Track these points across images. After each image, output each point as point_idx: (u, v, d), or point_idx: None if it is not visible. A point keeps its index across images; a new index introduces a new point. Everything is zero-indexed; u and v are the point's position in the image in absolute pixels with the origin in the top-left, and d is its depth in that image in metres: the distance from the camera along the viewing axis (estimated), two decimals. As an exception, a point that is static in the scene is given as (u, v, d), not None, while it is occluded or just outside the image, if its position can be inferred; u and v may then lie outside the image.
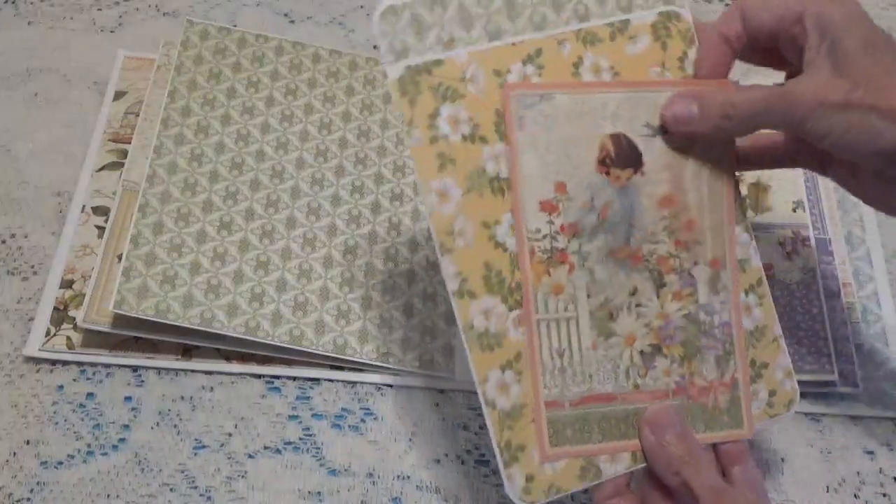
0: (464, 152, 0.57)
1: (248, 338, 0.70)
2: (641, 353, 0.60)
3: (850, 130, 0.53)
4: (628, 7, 0.61)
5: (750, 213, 0.75)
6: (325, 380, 0.71)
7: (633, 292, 0.60)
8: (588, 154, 0.59)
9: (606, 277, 0.59)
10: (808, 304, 0.72)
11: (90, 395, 0.70)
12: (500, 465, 0.57)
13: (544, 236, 0.58)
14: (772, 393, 0.62)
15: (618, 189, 0.59)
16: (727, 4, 0.92)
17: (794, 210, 0.76)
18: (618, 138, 0.60)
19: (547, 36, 0.59)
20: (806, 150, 0.61)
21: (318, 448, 0.69)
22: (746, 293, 0.62)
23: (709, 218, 0.61)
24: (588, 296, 0.59)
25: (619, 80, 0.60)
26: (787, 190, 0.77)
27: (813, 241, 0.75)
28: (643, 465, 0.58)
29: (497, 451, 0.57)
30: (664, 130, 0.60)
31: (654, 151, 0.60)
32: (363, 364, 0.71)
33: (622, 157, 0.60)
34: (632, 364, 0.60)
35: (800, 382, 0.69)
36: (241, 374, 0.71)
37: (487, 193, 0.57)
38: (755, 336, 0.62)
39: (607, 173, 0.59)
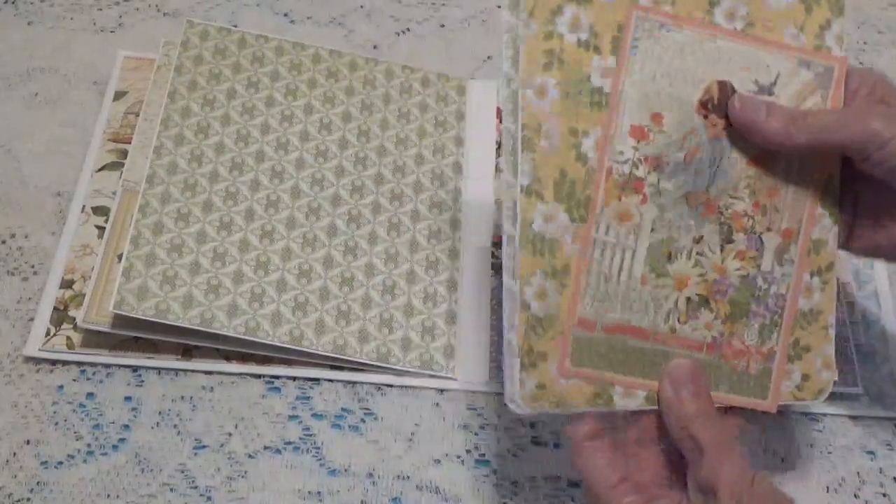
0: (574, 56, 0.56)
1: (248, 338, 0.70)
2: (688, 300, 0.60)
3: None
4: None
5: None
6: (325, 380, 0.71)
7: (698, 240, 0.60)
8: (692, 93, 0.59)
9: (676, 217, 0.59)
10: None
11: (90, 395, 0.70)
12: (516, 368, 0.56)
13: (626, 161, 0.58)
14: (805, 377, 0.62)
15: (711, 136, 0.59)
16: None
17: None
18: (724, 85, 0.59)
19: None
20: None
21: (318, 448, 0.69)
22: (812, 275, 0.61)
23: (793, 190, 0.61)
24: (652, 230, 0.59)
25: (741, 32, 0.59)
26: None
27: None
28: (655, 408, 0.58)
29: (517, 350, 0.56)
30: (772, 91, 0.59)
31: None
32: (363, 364, 0.71)
33: (724, 104, 0.59)
34: (675, 308, 0.59)
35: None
36: (241, 374, 0.71)
37: (585, 103, 0.56)
38: (807, 318, 0.61)
39: (706, 117, 0.59)
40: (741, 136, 0.59)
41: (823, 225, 0.61)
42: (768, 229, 0.60)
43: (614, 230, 0.58)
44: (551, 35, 0.56)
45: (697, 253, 0.60)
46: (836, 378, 0.62)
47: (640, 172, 0.58)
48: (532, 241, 0.56)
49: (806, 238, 0.61)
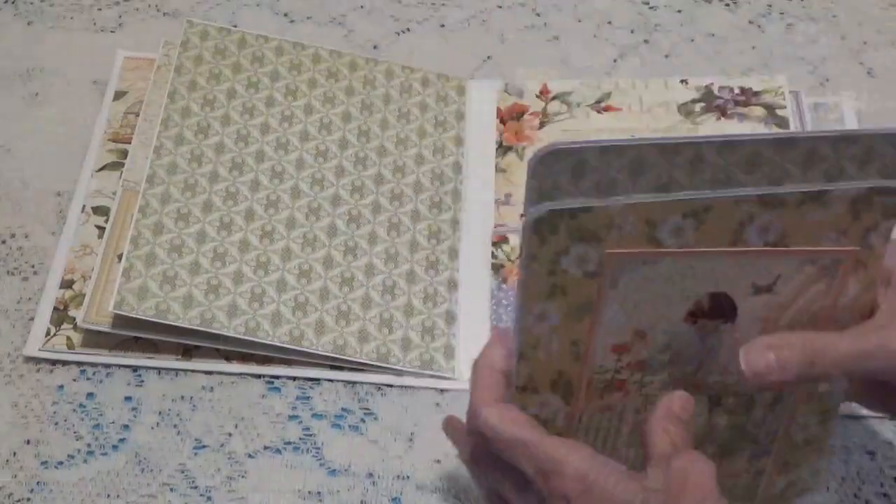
0: (578, 286, 0.54)
1: (248, 338, 0.70)
2: None
3: None
4: (834, 174, 0.55)
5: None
6: (325, 380, 0.71)
7: None
8: (679, 309, 0.56)
9: (659, 398, 0.57)
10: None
11: (90, 395, 0.70)
12: None
13: (606, 371, 0.57)
14: (790, 484, 0.63)
15: (699, 336, 0.57)
16: (727, 5, 0.92)
17: None
18: (718, 297, 0.56)
19: (726, 195, 0.53)
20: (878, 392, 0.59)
21: (318, 448, 0.69)
22: (815, 415, 0.60)
23: None
24: (636, 412, 0.58)
25: (734, 249, 0.54)
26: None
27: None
28: None
29: None
30: (771, 290, 0.56)
31: (753, 306, 0.56)
32: (363, 364, 0.71)
33: (716, 312, 0.57)
34: None
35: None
36: (241, 374, 0.71)
37: (586, 319, 0.55)
38: (801, 444, 0.62)
39: (694, 323, 0.57)
40: (734, 330, 0.56)
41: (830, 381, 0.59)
42: (759, 391, 0.59)
43: (597, 418, 0.58)
44: (555, 272, 0.53)
45: None
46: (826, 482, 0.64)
47: (623, 375, 0.57)
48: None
49: (801, 393, 0.59)
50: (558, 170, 0.52)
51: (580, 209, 0.51)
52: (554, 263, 0.53)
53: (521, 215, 0.55)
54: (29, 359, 0.71)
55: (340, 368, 0.71)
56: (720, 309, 0.56)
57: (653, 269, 0.54)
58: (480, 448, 0.56)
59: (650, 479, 0.51)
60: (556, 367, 0.56)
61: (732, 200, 0.53)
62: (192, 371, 0.71)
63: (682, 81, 0.85)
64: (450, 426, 0.62)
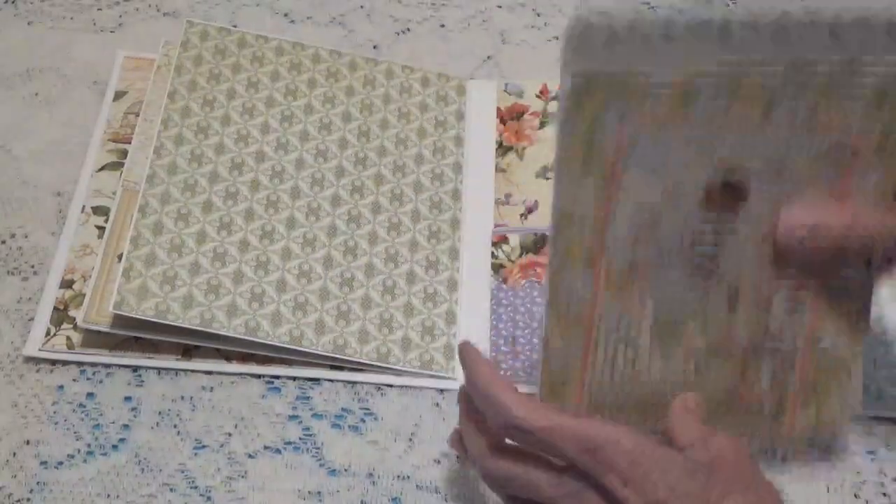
0: (607, 161, 0.56)
1: (247, 338, 0.70)
2: (696, 360, 0.62)
3: None
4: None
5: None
6: (325, 380, 0.71)
7: (702, 307, 0.60)
8: (693, 182, 0.57)
9: (679, 290, 0.59)
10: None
11: (90, 395, 0.70)
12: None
13: (626, 254, 0.58)
14: (820, 420, 0.64)
15: (714, 218, 0.58)
16: (727, 5, 0.92)
17: None
18: (729, 171, 0.57)
19: (752, 68, 0.55)
20: None
21: (318, 448, 0.69)
22: (840, 330, 0.61)
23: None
24: (656, 304, 0.60)
25: (736, 122, 0.56)
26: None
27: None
28: None
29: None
30: (780, 172, 0.57)
31: (764, 184, 0.58)
32: (363, 364, 0.71)
33: (730, 188, 0.57)
34: (685, 370, 0.62)
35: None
36: (241, 374, 0.71)
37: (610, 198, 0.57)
38: (828, 365, 0.62)
39: (710, 201, 0.58)
40: (748, 214, 0.58)
41: (848, 281, 0.60)
42: (777, 290, 0.60)
43: (617, 312, 0.60)
44: (590, 139, 0.55)
45: (703, 318, 0.61)
46: (858, 412, 0.64)
47: (641, 259, 0.59)
48: (558, 310, 0.59)
49: (819, 295, 0.60)
50: (592, 42, 0.53)
51: (617, 73, 0.53)
52: (590, 129, 0.55)
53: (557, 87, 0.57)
54: (29, 359, 0.71)
55: (340, 368, 0.71)
56: (734, 188, 0.57)
57: (666, 135, 0.55)
58: (500, 445, 0.57)
59: (695, 452, 0.54)
60: (586, 243, 0.58)
61: (760, 76, 0.54)
62: (192, 371, 0.71)
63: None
64: (455, 436, 0.62)
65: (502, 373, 0.71)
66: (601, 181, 0.56)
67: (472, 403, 0.58)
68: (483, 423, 0.58)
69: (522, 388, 0.71)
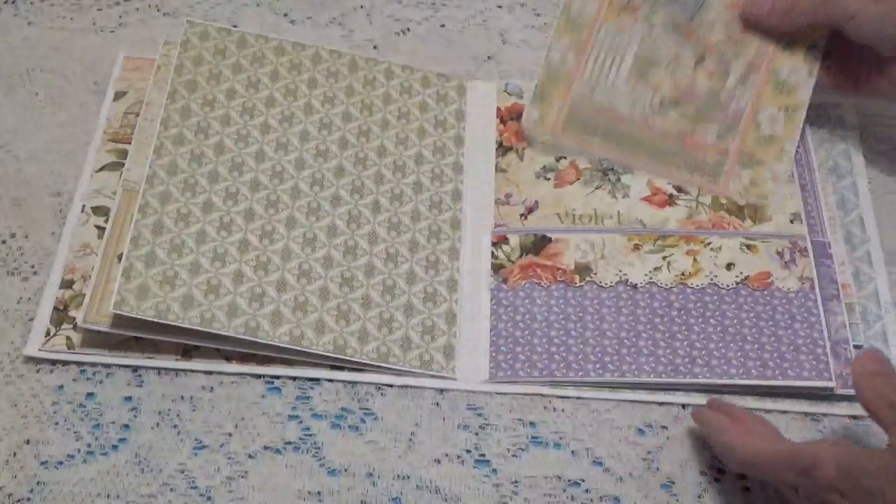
0: None
1: (247, 338, 0.70)
2: (661, 100, 0.77)
3: (886, 20, 0.70)
4: None
5: (748, 223, 0.76)
6: (325, 380, 0.71)
7: (676, 56, 0.77)
8: None
9: (660, 38, 0.77)
10: (807, 312, 0.72)
11: (90, 395, 0.70)
12: (530, 101, 0.79)
13: None
14: (753, 182, 0.77)
15: None
16: (727, 5, 0.93)
17: (792, 222, 0.77)
18: None
19: None
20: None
21: (318, 448, 0.69)
22: (779, 109, 0.77)
23: (759, 35, 0.77)
24: (640, 44, 0.77)
25: None
26: (785, 203, 0.77)
27: (810, 250, 0.75)
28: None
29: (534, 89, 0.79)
30: None
31: None
32: (363, 364, 0.71)
33: None
34: (650, 104, 0.77)
35: (798, 389, 0.71)
36: (241, 374, 0.71)
37: None
38: (765, 140, 0.77)
39: None
40: None
41: (796, 72, 0.77)
42: (737, 57, 0.77)
43: (610, 38, 0.77)
44: None
45: (675, 67, 0.77)
46: (778, 187, 0.77)
47: (636, 3, 0.77)
48: (568, 21, 0.78)
49: (766, 71, 0.77)
50: None
51: None
52: None
53: None
54: (29, 359, 0.71)
55: (340, 368, 0.71)
56: None
57: None
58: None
59: None
60: None
61: None
62: (192, 371, 0.71)
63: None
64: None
65: (502, 374, 0.71)
66: None
67: None
68: None
69: (523, 388, 0.71)
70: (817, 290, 0.73)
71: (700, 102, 0.77)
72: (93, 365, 0.71)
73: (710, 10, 0.77)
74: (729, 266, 0.74)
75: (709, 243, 0.75)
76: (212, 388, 0.71)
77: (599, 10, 0.77)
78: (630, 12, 0.77)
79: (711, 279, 0.74)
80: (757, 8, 0.76)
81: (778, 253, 0.75)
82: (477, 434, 0.70)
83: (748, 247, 0.75)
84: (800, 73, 0.77)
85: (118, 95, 0.83)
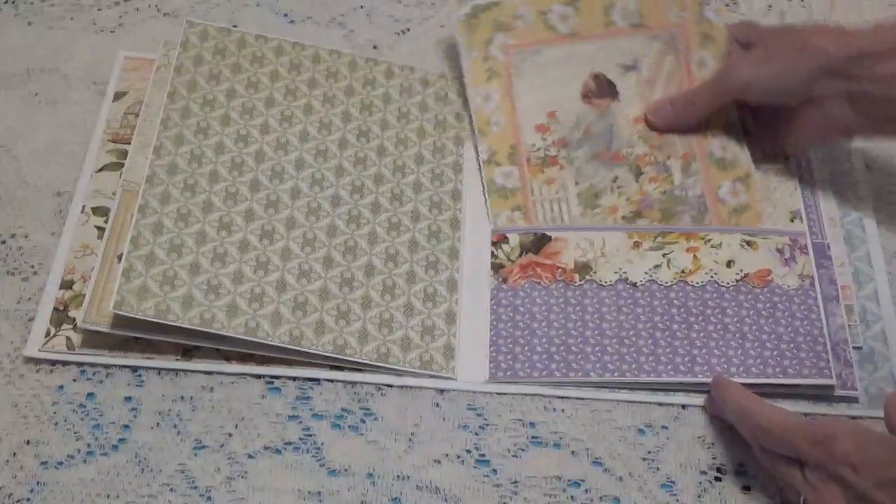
0: (506, 68, 0.80)
1: (247, 338, 0.70)
2: (623, 217, 0.77)
3: (778, 76, 0.73)
4: None
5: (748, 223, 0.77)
6: (325, 380, 0.71)
7: (615, 180, 0.78)
8: (574, 91, 0.80)
9: (591, 171, 0.78)
10: (807, 310, 0.72)
11: (90, 395, 0.70)
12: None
13: (538, 149, 0.79)
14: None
15: (598, 114, 0.79)
16: (727, 5, 0.92)
17: (792, 220, 0.77)
18: (598, 77, 0.80)
19: None
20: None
21: (318, 448, 0.69)
22: (734, 182, 0.77)
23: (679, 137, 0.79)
24: (576, 183, 0.78)
25: (593, 33, 0.80)
26: (785, 200, 0.77)
27: (810, 246, 0.75)
28: None
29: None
30: (634, 67, 0.80)
31: (627, 83, 0.80)
32: (363, 364, 0.71)
33: (602, 89, 0.80)
34: (615, 223, 0.76)
35: (799, 387, 0.71)
36: (241, 374, 0.71)
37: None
38: (739, 208, 0.77)
39: (590, 102, 0.79)
40: (622, 106, 0.80)
41: (728, 147, 0.78)
42: (668, 157, 0.78)
43: (545, 191, 0.78)
44: (487, 58, 0.80)
45: (618, 187, 0.78)
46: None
47: (552, 152, 0.79)
48: (497, 192, 0.78)
49: (704, 155, 0.78)
50: None
51: (493, 3, 0.80)
52: (485, 51, 0.80)
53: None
54: (29, 359, 0.71)
55: (340, 368, 0.71)
56: (605, 89, 0.80)
57: (543, 57, 0.79)
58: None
59: None
60: (508, 143, 0.79)
61: None
62: (192, 371, 0.71)
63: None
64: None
65: (502, 374, 0.71)
66: (504, 93, 0.79)
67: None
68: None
69: (523, 388, 0.71)
70: (818, 287, 0.73)
71: (661, 204, 0.77)
72: (93, 365, 0.71)
73: (622, 132, 0.79)
74: (729, 263, 0.74)
75: (709, 240, 0.75)
76: (212, 388, 0.71)
77: (523, 173, 0.78)
78: (550, 164, 0.78)
79: (712, 276, 0.74)
80: (659, 117, 0.79)
81: (778, 250, 0.75)
82: (477, 434, 0.70)
83: (748, 243, 0.75)
84: (731, 147, 0.78)
85: (118, 96, 0.83)
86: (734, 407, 0.66)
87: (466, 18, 0.80)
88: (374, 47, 0.89)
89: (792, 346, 0.71)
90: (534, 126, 0.79)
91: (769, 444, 0.63)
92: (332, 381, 0.72)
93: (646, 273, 0.74)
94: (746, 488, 0.68)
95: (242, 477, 0.67)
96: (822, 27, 0.76)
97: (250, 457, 0.68)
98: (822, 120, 0.74)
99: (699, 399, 0.71)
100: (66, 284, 0.74)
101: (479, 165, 0.79)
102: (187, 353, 0.72)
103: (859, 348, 0.73)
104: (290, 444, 0.69)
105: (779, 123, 0.77)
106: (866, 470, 0.57)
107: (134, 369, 0.71)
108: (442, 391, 0.71)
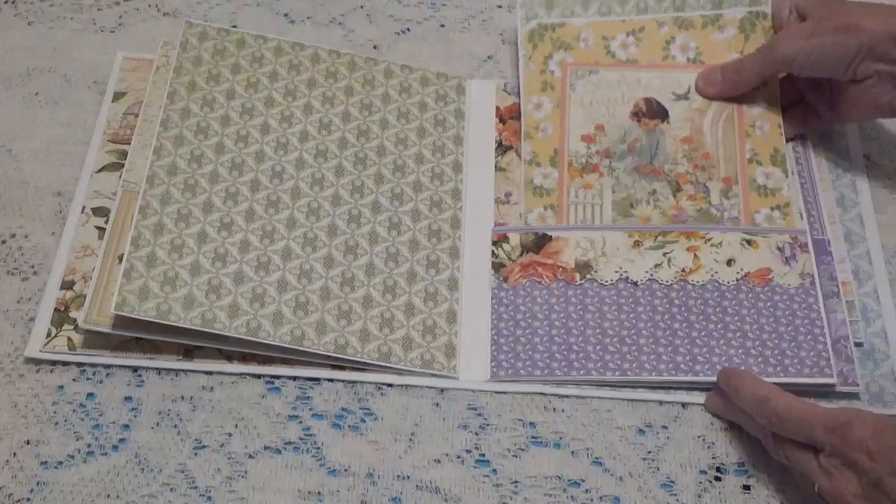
0: (561, 83, 0.82)
1: (249, 338, 0.70)
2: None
3: (825, 49, 0.74)
4: (719, 3, 0.83)
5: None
6: (326, 380, 0.71)
7: (653, 192, 0.78)
8: (624, 108, 0.81)
9: (630, 182, 0.79)
10: (808, 309, 0.72)
11: (90, 395, 0.70)
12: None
13: (581, 156, 0.80)
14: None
15: (646, 131, 0.80)
16: (727, 3, 0.92)
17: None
18: (649, 100, 0.81)
19: (650, 17, 0.83)
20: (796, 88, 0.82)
21: (318, 448, 0.69)
22: (772, 209, 0.77)
23: (723, 152, 0.79)
24: (613, 191, 0.78)
25: (652, 63, 0.82)
26: (786, 198, 0.77)
27: (811, 243, 0.75)
28: None
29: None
30: (686, 97, 0.81)
31: (679, 110, 0.81)
32: (364, 364, 0.71)
33: (652, 111, 0.81)
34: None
35: (800, 386, 0.70)
36: (241, 374, 0.71)
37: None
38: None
39: (639, 121, 0.80)
40: (671, 127, 0.80)
41: (771, 174, 0.78)
42: (710, 179, 0.78)
43: (581, 193, 0.78)
44: (544, 71, 0.82)
45: (655, 200, 0.78)
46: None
47: (595, 160, 0.80)
48: (534, 190, 0.79)
49: (746, 180, 0.78)
50: (537, 3, 0.84)
51: (557, 24, 0.83)
52: (545, 65, 0.82)
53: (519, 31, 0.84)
54: (29, 359, 0.71)
55: (341, 368, 0.71)
56: (656, 111, 0.81)
57: (599, 77, 0.82)
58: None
59: None
60: (552, 147, 0.80)
61: (656, 22, 0.83)
62: (193, 371, 0.71)
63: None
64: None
65: (503, 373, 0.71)
66: (556, 104, 0.81)
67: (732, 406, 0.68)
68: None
69: (524, 387, 0.71)
70: (818, 285, 0.73)
71: (693, 221, 0.77)
72: (93, 365, 0.71)
73: (667, 150, 0.79)
74: (729, 262, 0.74)
75: (709, 239, 0.75)
76: (212, 388, 0.71)
77: (562, 176, 0.79)
78: (591, 170, 0.79)
79: (712, 275, 0.74)
80: (709, 82, 0.80)
81: (778, 248, 0.75)
82: (477, 434, 0.70)
83: (748, 242, 0.75)
84: (775, 175, 0.78)
85: (117, 96, 0.83)
86: (749, 395, 0.66)
87: (530, 32, 0.83)
88: (375, 47, 0.89)
89: (793, 344, 0.71)
90: (580, 136, 0.80)
91: (785, 431, 0.63)
92: (332, 380, 0.71)
93: (646, 272, 0.74)
94: (746, 488, 0.68)
95: (242, 477, 0.67)
96: (874, 6, 0.75)
97: (250, 457, 0.68)
98: (869, 98, 0.75)
99: (700, 398, 0.71)
100: (67, 285, 0.74)
101: (522, 165, 0.80)
102: (188, 353, 0.72)
103: (860, 344, 0.73)
104: (290, 444, 0.69)
105: (833, 95, 0.78)
106: (882, 457, 0.58)
107: (134, 369, 0.71)
108: (442, 391, 0.71)
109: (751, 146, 0.79)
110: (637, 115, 0.80)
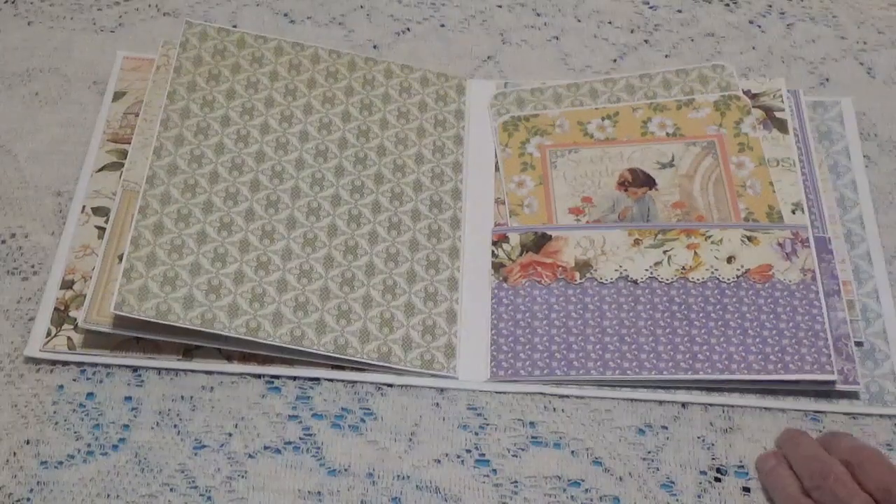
0: (541, 163, 0.80)
1: (249, 338, 0.70)
2: None
3: None
4: (691, 93, 0.83)
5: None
6: (326, 379, 0.71)
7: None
8: (610, 180, 0.79)
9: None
10: (808, 305, 0.72)
11: (90, 395, 0.70)
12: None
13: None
14: None
15: (635, 199, 0.78)
16: (727, 5, 0.92)
17: (794, 212, 0.77)
18: (633, 170, 0.80)
19: (624, 105, 0.83)
20: None
21: (318, 448, 0.69)
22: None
23: (717, 213, 0.77)
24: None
25: (631, 139, 0.81)
26: (787, 192, 0.77)
27: (812, 240, 0.75)
28: None
29: None
30: (672, 164, 0.79)
31: (666, 177, 0.79)
32: (364, 364, 0.71)
33: (638, 180, 0.79)
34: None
35: (800, 383, 0.70)
36: (241, 374, 0.71)
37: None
38: None
39: (625, 190, 0.79)
40: (659, 194, 0.78)
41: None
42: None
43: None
44: (523, 154, 0.81)
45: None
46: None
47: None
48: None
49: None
50: (508, 103, 0.84)
51: (531, 115, 0.83)
52: (522, 149, 0.82)
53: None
54: (29, 359, 0.71)
55: (341, 368, 0.71)
56: (642, 180, 0.79)
57: (579, 155, 0.81)
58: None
59: None
60: (540, 220, 0.78)
61: (631, 108, 0.83)
62: (193, 371, 0.71)
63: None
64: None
65: (503, 373, 0.71)
66: (538, 182, 0.80)
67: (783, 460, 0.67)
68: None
69: (524, 387, 0.71)
70: (819, 281, 0.73)
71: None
72: (93, 365, 0.71)
73: (659, 215, 0.78)
74: (730, 259, 0.74)
75: (709, 236, 0.75)
76: (212, 388, 0.71)
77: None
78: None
79: (712, 273, 0.74)
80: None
81: (779, 244, 0.75)
82: (477, 434, 0.70)
83: (749, 238, 0.75)
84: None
85: (117, 96, 0.83)
86: (800, 451, 0.66)
87: (504, 124, 0.82)
88: (375, 47, 0.89)
89: (793, 341, 0.71)
90: (567, 208, 0.78)
91: (823, 480, 0.63)
92: (332, 380, 0.71)
93: (646, 270, 0.74)
94: (746, 489, 0.68)
95: (242, 477, 0.67)
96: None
97: (250, 457, 0.68)
98: None
99: (700, 397, 0.71)
100: (67, 284, 0.74)
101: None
102: (188, 353, 0.72)
103: (861, 344, 0.73)
104: (290, 443, 0.69)
105: None
106: None
107: (134, 369, 0.71)
108: (442, 391, 0.71)
109: (745, 206, 0.77)
110: (623, 184, 0.79)
